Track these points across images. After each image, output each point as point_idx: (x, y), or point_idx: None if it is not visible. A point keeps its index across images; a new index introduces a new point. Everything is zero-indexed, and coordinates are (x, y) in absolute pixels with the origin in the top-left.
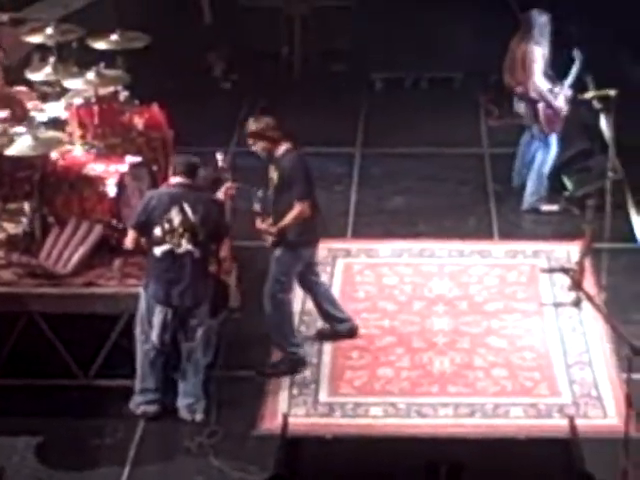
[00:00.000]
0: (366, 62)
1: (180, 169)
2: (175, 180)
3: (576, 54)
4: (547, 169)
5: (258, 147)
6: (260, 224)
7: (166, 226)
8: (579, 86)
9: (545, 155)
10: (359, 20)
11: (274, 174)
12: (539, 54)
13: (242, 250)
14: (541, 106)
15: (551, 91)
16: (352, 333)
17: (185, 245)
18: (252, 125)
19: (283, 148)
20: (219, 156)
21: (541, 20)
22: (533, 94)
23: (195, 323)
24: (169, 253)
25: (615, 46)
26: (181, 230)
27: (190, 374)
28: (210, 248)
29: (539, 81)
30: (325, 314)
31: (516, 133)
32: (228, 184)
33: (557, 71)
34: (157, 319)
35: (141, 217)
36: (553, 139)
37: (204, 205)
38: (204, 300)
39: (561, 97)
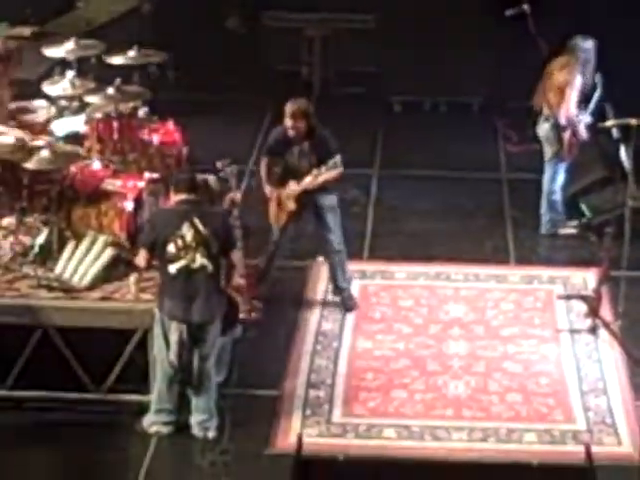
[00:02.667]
0: (385, 85)
1: (183, 185)
2: (180, 197)
3: (598, 80)
4: (558, 197)
5: (300, 126)
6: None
7: (179, 242)
8: (599, 114)
9: (552, 184)
10: (379, 43)
11: (303, 147)
12: (579, 82)
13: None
14: (567, 133)
15: (577, 117)
16: None
17: (199, 259)
18: (295, 105)
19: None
20: (219, 164)
21: (586, 46)
22: (563, 120)
23: (208, 339)
24: (184, 269)
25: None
26: (194, 244)
27: (203, 391)
28: (221, 262)
29: (573, 109)
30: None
31: (534, 159)
32: (232, 193)
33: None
34: (173, 338)
35: (150, 236)
36: (562, 167)
37: (214, 218)
38: (217, 315)
39: (582, 124)
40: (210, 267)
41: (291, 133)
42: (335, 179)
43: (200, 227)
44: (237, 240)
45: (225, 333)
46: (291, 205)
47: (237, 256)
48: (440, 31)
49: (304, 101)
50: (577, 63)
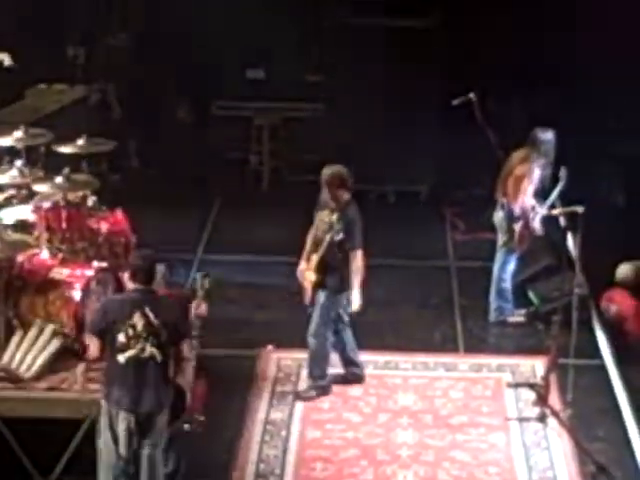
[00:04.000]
0: None
1: (141, 277)
2: (133, 286)
3: (562, 173)
4: (507, 285)
5: (333, 193)
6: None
7: (130, 332)
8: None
9: (502, 271)
10: (326, 132)
11: (331, 218)
12: (536, 175)
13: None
14: (519, 224)
15: (533, 209)
16: (363, 378)
17: (149, 349)
18: (332, 171)
19: (347, 197)
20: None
21: (546, 137)
22: (517, 211)
23: (156, 429)
24: (133, 359)
25: (581, 161)
26: (145, 334)
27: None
28: (170, 351)
29: (528, 201)
30: (346, 360)
31: (482, 247)
32: (197, 304)
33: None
34: (121, 428)
35: (101, 324)
36: (513, 257)
37: (165, 308)
38: (166, 405)
39: (538, 217)
40: (159, 357)
41: (326, 196)
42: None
43: (151, 317)
44: (189, 330)
45: (173, 422)
46: (310, 276)
47: (186, 346)
48: (388, 121)
49: (338, 169)
50: (537, 155)
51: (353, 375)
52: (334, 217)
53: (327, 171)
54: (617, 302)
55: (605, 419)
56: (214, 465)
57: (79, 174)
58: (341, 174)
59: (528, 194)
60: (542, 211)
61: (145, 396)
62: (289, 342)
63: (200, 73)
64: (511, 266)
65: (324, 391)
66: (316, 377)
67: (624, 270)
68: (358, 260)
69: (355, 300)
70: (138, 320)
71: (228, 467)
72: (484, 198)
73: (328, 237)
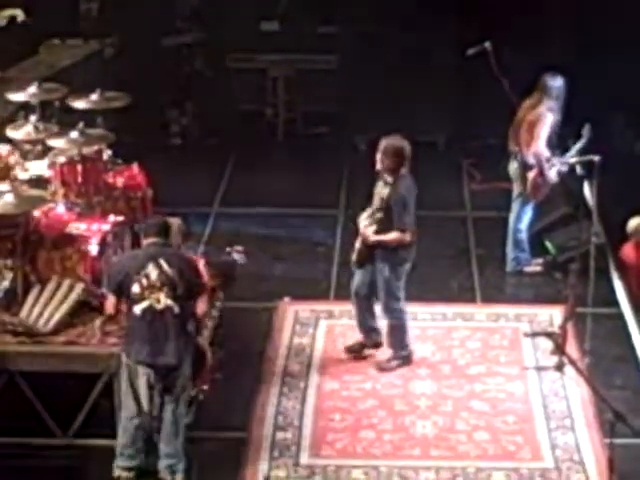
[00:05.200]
0: (349, 124)
1: (152, 230)
2: (148, 240)
3: (585, 131)
4: (524, 235)
5: (387, 163)
6: (365, 229)
7: (144, 282)
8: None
9: (518, 222)
10: (343, 83)
11: (383, 192)
12: (549, 120)
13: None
14: (533, 172)
15: (548, 160)
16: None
17: (164, 300)
18: (391, 141)
19: (404, 171)
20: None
21: (556, 83)
22: (531, 158)
23: (178, 384)
24: (149, 310)
25: (597, 110)
26: (159, 284)
27: (171, 435)
28: (188, 305)
29: (541, 147)
30: (370, 328)
31: (498, 197)
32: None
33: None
34: (142, 383)
35: (117, 278)
36: (529, 207)
37: (180, 259)
38: (186, 359)
39: (554, 169)
40: (176, 309)
41: (378, 165)
42: (394, 242)
43: (165, 267)
44: (204, 286)
45: (194, 376)
46: (357, 243)
47: (203, 304)
48: (403, 71)
49: (399, 140)
50: (548, 101)
51: (371, 341)
52: (386, 192)
53: (386, 139)
54: (622, 253)
55: (623, 367)
56: (232, 416)
57: (94, 128)
58: (399, 145)
59: (542, 139)
60: (559, 164)
61: (164, 349)
62: (306, 294)
63: (215, 26)
64: (527, 216)
65: (406, 361)
66: (397, 348)
67: (633, 223)
68: (395, 235)
69: (364, 226)
70: (152, 270)
71: (247, 419)
72: (500, 148)
73: (379, 215)
